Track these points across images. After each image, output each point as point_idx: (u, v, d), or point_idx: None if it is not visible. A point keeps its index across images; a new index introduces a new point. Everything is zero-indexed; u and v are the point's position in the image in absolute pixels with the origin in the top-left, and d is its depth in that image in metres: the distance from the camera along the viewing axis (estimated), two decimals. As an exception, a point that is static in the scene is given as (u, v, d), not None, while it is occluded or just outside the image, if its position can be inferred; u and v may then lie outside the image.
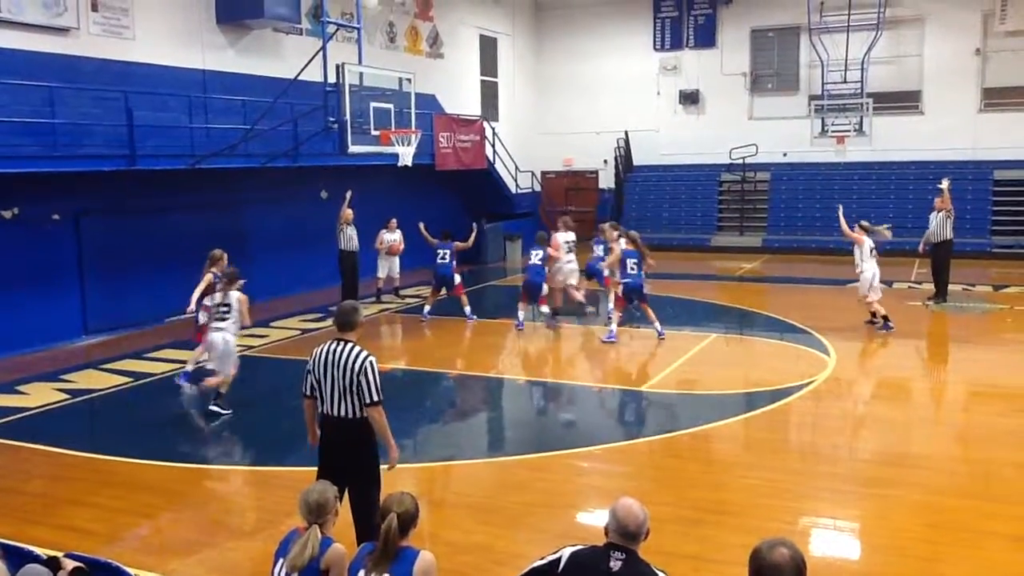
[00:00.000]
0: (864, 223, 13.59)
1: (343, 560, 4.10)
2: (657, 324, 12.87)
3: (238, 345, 10.12)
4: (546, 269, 14.07)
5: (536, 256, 14.07)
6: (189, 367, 10.69)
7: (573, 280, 14.69)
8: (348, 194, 15.31)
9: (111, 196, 13.76)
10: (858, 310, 14.34)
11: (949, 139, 22.96)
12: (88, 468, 8.04)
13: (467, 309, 14.70)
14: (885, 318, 13.21)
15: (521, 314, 14.06)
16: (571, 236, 14.78)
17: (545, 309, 14.32)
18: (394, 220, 16.48)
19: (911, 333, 13.37)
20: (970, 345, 13.34)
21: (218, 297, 9.74)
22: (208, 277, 10.48)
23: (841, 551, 6.30)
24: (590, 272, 15.32)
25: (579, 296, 14.78)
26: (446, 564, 4.90)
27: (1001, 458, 7.92)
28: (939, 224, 15.20)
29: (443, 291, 14.72)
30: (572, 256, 14.62)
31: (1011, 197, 22.27)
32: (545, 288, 14.09)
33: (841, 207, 14.07)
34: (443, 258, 14.56)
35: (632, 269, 12.72)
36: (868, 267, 13.15)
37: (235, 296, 9.64)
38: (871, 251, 13.19)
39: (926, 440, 8.59)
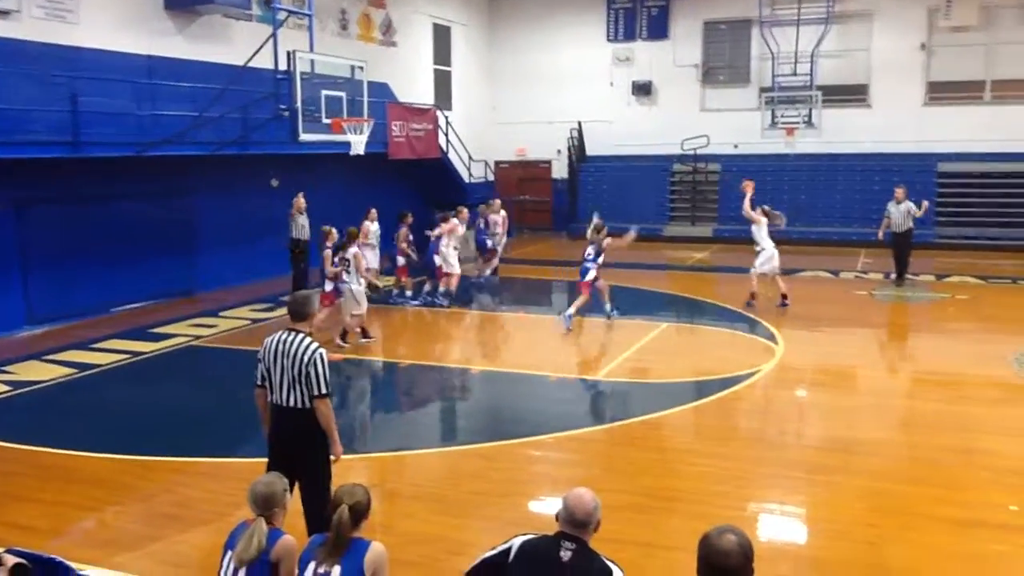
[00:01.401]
0: (766, 208, 14.47)
1: (293, 552, 4.06)
2: (607, 304, 13.50)
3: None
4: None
5: (435, 234, 15.20)
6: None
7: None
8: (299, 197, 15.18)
9: (55, 183, 13.44)
10: (804, 299, 14.62)
11: (895, 132, 23.36)
12: (31, 462, 7.88)
13: (408, 294, 15.15)
14: (753, 296, 14.07)
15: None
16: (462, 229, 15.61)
17: (441, 289, 15.06)
18: (374, 210, 15.60)
19: (857, 322, 13.62)
20: (914, 333, 13.68)
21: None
22: (327, 253, 12.08)
23: (788, 536, 6.41)
24: (478, 245, 16.99)
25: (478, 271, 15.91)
26: (399, 555, 4.89)
27: (944, 444, 8.11)
28: (904, 214, 16.26)
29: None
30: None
31: (954, 189, 22.76)
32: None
33: (750, 190, 14.51)
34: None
35: (589, 255, 13.19)
36: (769, 245, 14.06)
37: (352, 252, 11.71)
38: (768, 233, 14.16)
39: (871, 426, 8.75)
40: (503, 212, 18.00)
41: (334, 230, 12.22)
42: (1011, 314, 14.28)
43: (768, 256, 14.06)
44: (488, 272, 17.47)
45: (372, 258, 15.58)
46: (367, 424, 9.30)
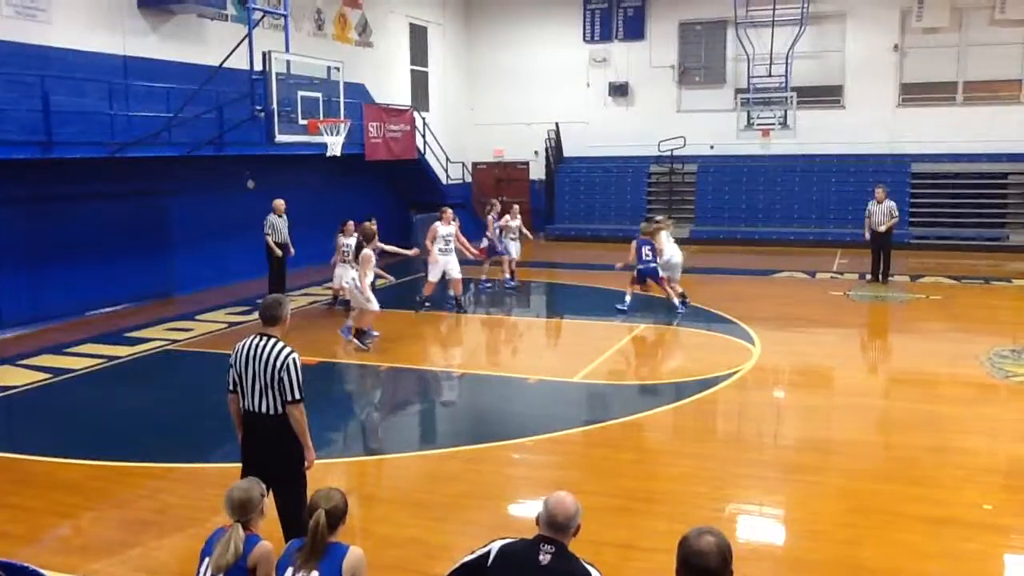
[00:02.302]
0: (655, 217, 15.30)
1: (270, 557, 4.04)
2: (674, 299, 14.13)
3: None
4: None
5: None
6: (350, 322, 12.32)
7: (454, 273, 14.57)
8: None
9: (27, 185, 13.28)
10: (780, 300, 14.72)
11: (869, 133, 23.59)
12: (4, 468, 7.78)
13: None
14: (683, 295, 14.43)
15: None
16: (451, 230, 14.57)
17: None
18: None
19: (833, 322, 13.72)
20: (889, 334, 13.81)
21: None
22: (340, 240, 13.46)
23: (766, 536, 6.45)
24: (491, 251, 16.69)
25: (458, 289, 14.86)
26: (377, 559, 4.87)
27: (918, 443, 8.19)
28: (885, 213, 16.65)
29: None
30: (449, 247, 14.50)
31: (928, 190, 23.02)
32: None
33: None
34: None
35: (647, 256, 14.02)
36: (672, 249, 14.47)
37: (363, 252, 11.94)
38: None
39: (847, 426, 8.83)
40: (508, 217, 17.01)
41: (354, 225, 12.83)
42: (984, 314, 14.45)
43: (679, 259, 14.51)
44: (505, 276, 16.84)
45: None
46: (345, 428, 9.26)
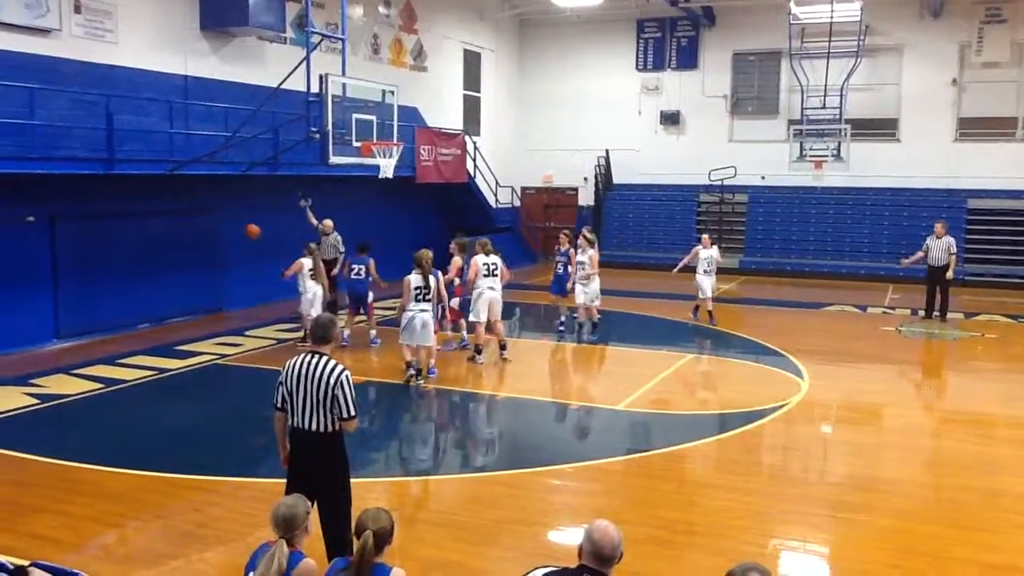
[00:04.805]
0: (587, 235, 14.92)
1: (314, 575, 4.06)
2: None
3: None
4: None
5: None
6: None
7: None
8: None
9: (88, 199, 13.64)
10: (831, 334, 14.49)
11: (925, 167, 23.25)
12: (56, 475, 7.94)
13: (372, 332, 13.82)
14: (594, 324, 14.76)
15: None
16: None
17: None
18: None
19: (884, 358, 13.48)
20: (941, 371, 13.52)
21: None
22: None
23: (811, 575, 6.32)
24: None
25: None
26: (417, 581, 4.88)
27: (968, 484, 7.99)
28: (943, 249, 16.44)
29: (361, 311, 13.87)
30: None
31: (984, 226, 22.57)
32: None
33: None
34: (358, 274, 13.56)
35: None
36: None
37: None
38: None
39: (896, 465, 8.65)
40: (700, 247, 16.48)
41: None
42: (1041, 354, 14.10)
43: (596, 289, 14.57)
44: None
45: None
46: (387, 448, 9.30)
